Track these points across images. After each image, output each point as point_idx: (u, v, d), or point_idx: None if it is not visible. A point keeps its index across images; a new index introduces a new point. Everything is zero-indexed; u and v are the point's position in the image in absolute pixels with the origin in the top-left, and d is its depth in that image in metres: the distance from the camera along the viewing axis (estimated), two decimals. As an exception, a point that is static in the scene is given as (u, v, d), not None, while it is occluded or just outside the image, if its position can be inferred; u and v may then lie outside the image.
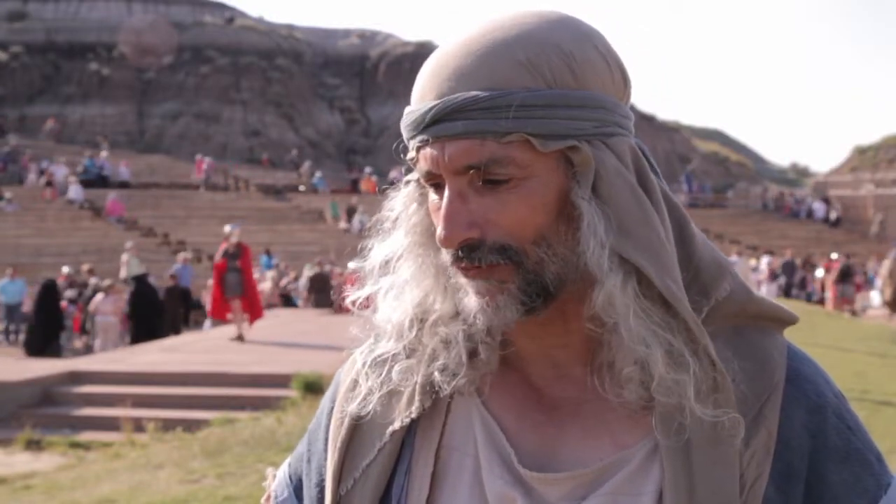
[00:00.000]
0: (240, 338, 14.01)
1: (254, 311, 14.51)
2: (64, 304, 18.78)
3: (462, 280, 0.96)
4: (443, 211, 0.93)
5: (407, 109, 0.97)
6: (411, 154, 0.98)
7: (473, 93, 0.91)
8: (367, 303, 1.06)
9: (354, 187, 39.19)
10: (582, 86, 0.93)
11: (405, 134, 0.98)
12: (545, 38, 0.93)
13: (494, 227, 0.92)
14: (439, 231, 0.93)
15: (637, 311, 0.91)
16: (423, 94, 0.95)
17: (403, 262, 1.02)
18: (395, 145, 1.03)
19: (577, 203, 0.92)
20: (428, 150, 0.94)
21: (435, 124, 0.93)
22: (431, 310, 1.01)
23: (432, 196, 0.97)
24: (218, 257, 14.44)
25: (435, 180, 0.96)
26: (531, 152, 0.91)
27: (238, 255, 14.00)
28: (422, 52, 60.09)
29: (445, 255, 0.96)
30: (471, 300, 0.95)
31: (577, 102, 0.92)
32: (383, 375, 1.03)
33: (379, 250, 1.04)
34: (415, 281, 1.01)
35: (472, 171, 0.92)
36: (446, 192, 0.93)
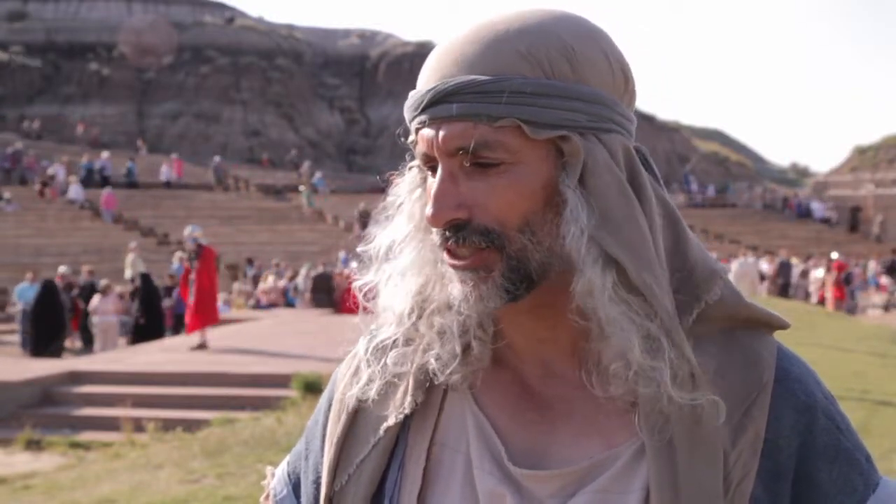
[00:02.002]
0: (201, 346, 13.25)
1: (199, 317, 13.25)
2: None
3: (448, 269, 0.98)
4: (433, 191, 0.96)
5: (410, 93, 1.00)
6: (412, 137, 1.00)
7: (470, 77, 0.94)
8: (371, 293, 1.07)
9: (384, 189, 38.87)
10: (580, 80, 0.95)
11: (407, 116, 1.00)
12: (547, 31, 0.96)
13: (482, 210, 0.94)
14: (428, 209, 0.96)
15: (614, 299, 0.92)
16: (427, 78, 0.98)
17: (405, 248, 1.04)
18: (397, 130, 1.05)
19: (562, 191, 0.94)
20: (424, 132, 0.97)
21: (432, 106, 0.95)
22: (430, 298, 1.02)
23: (430, 179, 0.99)
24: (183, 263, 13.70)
25: (431, 163, 0.98)
26: (522, 139, 0.93)
27: (197, 257, 13.26)
28: (422, 52, 60.08)
29: (434, 237, 0.98)
30: (455, 288, 0.97)
31: (572, 94, 0.94)
32: (383, 362, 1.05)
33: (382, 236, 1.06)
34: (415, 268, 1.03)
35: (462, 153, 0.94)
36: (438, 173, 0.96)
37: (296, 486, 1.15)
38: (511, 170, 0.94)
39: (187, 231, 13.73)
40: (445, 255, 0.97)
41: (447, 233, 0.95)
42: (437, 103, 0.95)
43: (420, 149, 0.98)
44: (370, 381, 1.05)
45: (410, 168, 1.06)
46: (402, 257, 1.04)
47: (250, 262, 26.10)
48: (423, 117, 0.96)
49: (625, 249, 0.92)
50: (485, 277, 0.94)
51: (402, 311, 1.03)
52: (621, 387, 0.94)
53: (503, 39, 0.95)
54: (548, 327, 1.00)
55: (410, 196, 1.05)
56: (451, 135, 0.94)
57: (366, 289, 1.07)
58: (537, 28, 0.96)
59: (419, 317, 1.03)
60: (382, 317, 1.06)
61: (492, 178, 0.94)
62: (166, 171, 37.58)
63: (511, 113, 0.92)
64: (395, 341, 1.04)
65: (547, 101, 0.93)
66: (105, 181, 35.53)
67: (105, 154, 38.40)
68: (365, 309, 1.08)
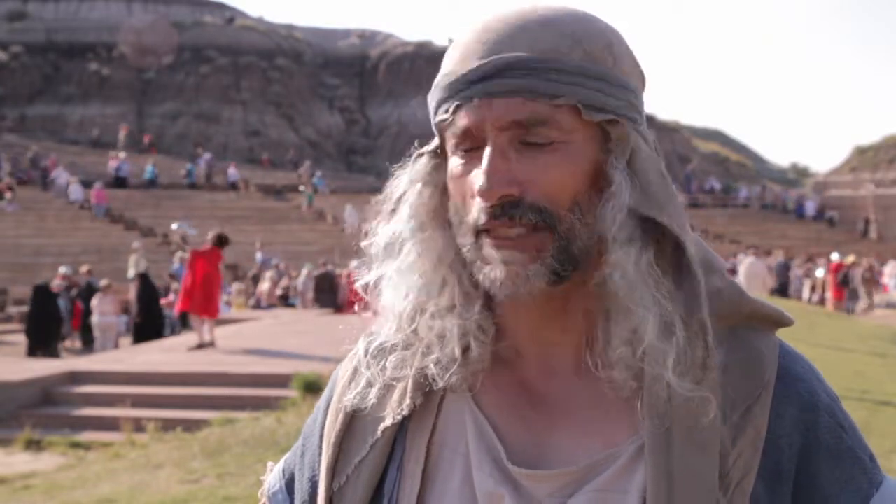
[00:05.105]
0: (201, 346, 13.31)
1: (196, 303, 13.48)
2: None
3: (488, 251, 0.95)
4: (484, 165, 0.93)
5: (444, 72, 0.98)
6: (442, 117, 0.98)
7: (530, 54, 0.94)
8: (372, 289, 1.06)
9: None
10: (619, 70, 0.98)
11: (439, 96, 0.98)
12: (587, 21, 0.99)
13: (533, 188, 0.93)
14: (480, 183, 0.93)
15: (646, 277, 0.93)
16: (466, 56, 0.97)
17: (407, 246, 1.02)
18: (436, 107, 1.00)
19: (610, 174, 0.95)
20: (472, 106, 0.95)
21: (486, 80, 0.94)
22: (430, 300, 1.01)
23: (456, 161, 0.98)
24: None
25: (469, 143, 0.96)
26: (575, 119, 0.94)
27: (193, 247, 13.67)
28: (422, 52, 60.11)
29: (476, 215, 0.95)
30: (496, 271, 0.94)
31: (617, 82, 0.97)
32: (381, 365, 1.04)
33: (383, 232, 1.04)
34: (417, 268, 1.02)
35: (516, 129, 0.93)
36: (488, 149, 0.94)
37: (289, 482, 1.15)
38: (562, 149, 0.94)
39: (175, 227, 13.75)
40: (486, 238, 0.95)
41: (497, 210, 0.93)
42: (492, 78, 0.94)
43: (461, 124, 0.96)
44: (369, 385, 1.04)
45: (421, 154, 1.04)
46: (403, 255, 1.03)
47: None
48: (470, 93, 0.95)
49: (675, 224, 0.94)
50: (535, 257, 0.93)
51: (402, 312, 1.02)
52: (624, 371, 0.94)
53: (551, 24, 0.96)
54: (555, 329, 1.00)
55: (413, 189, 1.03)
56: (508, 108, 0.93)
57: (366, 288, 1.06)
58: (576, 16, 0.98)
59: (419, 320, 1.02)
60: (382, 317, 1.05)
61: (543, 156, 0.94)
62: (234, 174, 38.43)
63: (570, 92, 0.93)
64: (394, 345, 1.03)
65: (599, 86, 0.95)
66: (121, 182, 35.78)
67: (122, 154, 38.51)
68: (365, 307, 1.07)
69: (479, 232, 0.96)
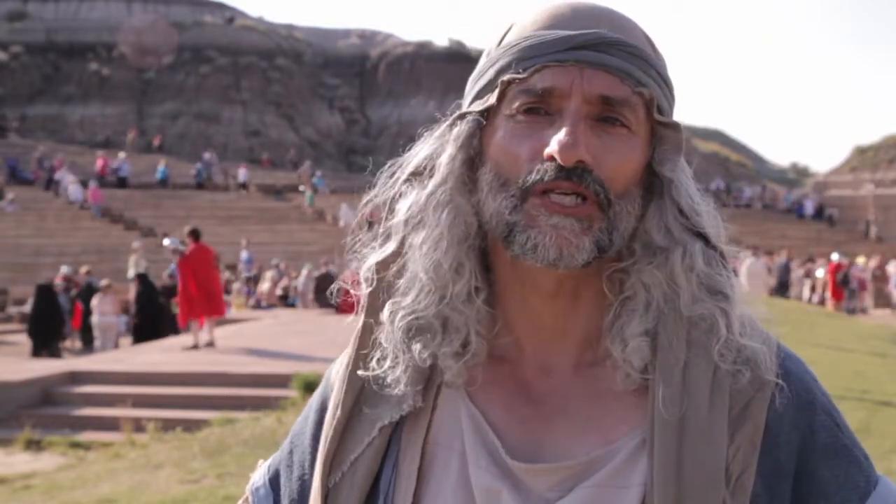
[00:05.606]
0: (195, 346, 13.44)
1: (188, 312, 13.90)
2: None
3: (538, 213, 0.94)
4: (568, 127, 0.93)
5: (524, 35, 0.98)
6: (512, 76, 0.96)
7: (631, 40, 0.97)
8: (382, 268, 1.03)
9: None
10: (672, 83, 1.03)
11: (517, 55, 0.97)
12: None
13: (598, 165, 0.94)
14: (563, 142, 0.92)
15: (685, 281, 0.96)
16: (558, 26, 0.97)
17: (437, 212, 0.99)
18: (503, 64, 0.99)
19: (665, 175, 0.97)
20: (562, 69, 0.95)
21: (585, 49, 0.95)
22: (446, 286, 0.99)
23: (514, 122, 0.97)
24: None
25: (537, 105, 0.96)
26: (645, 114, 0.97)
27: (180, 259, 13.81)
28: (422, 52, 60.12)
29: (539, 176, 0.94)
30: (542, 235, 0.94)
31: (673, 92, 1.02)
32: (406, 346, 1.00)
33: (404, 204, 1.02)
34: (449, 237, 0.99)
35: (600, 105, 0.95)
36: (572, 114, 0.94)
37: (273, 479, 1.16)
38: (629, 137, 0.96)
39: (166, 242, 13.94)
40: (537, 200, 0.94)
41: (566, 173, 0.93)
42: (594, 49, 0.95)
43: (542, 85, 0.95)
44: (395, 359, 1.01)
45: (462, 116, 1.01)
46: (430, 227, 0.99)
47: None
48: (565, 55, 0.95)
49: (712, 234, 1.00)
50: (586, 230, 0.94)
51: (428, 289, 0.99)
52: (639, 361, 0.96)
53: (632, 22, 1.00)
54: (560, 329, 1.01)
55: (446, 152, 1.00)
56: (602, 82, 0.95)
57: (389, 262, 1.02)
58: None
59: (436, 303, 0.99)
60: (410, 285, 1.00)
61: (612, 140, 0.95)
62: (244, 174, 38.61)
63: (652, 86, 0.97)
64: (420, 326, 1.00)
65: (665, 91, 1.00)
66: (122, 182, 35.79)
67: (122, 154, 38.52)
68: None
69: (527, 196, 0.94)
